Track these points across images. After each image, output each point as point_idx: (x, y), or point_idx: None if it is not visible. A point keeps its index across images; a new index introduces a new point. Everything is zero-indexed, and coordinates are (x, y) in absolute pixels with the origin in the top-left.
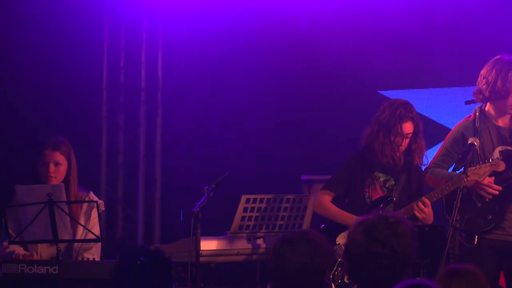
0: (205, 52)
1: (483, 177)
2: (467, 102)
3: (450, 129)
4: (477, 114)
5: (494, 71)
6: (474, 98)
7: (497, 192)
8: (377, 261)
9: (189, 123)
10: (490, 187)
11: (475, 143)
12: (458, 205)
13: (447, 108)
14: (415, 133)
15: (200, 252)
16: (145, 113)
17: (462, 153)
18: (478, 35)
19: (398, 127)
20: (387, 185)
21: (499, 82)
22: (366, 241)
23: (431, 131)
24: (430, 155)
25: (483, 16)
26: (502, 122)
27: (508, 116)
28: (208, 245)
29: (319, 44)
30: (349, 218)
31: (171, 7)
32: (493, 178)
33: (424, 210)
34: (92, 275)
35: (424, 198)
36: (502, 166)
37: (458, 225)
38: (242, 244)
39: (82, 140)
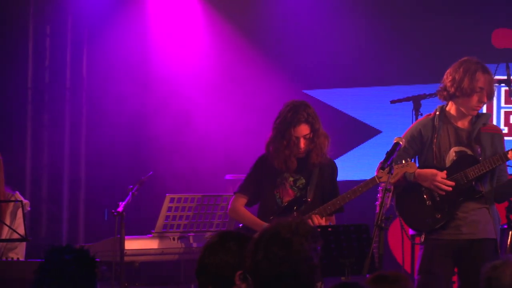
0: (130, 50)
1: (396, 178)
2: (392, 102)
3: (375, 128)
4: (437, 113)
5: (461, 69)
6: (438, 96)
7: (450, 188)
8: (281, 282)
9: (114, 122)
10: (443, 184)
11: (400, 143)
12: (384, 205)
13: (372, 107)
14: (312, 132)
15: (125, 251)
16: (70, 112)
17: (386, 153)
18: (402, 35)
19: (290, 131)
20: (297, 184)
21: (466, 80)
22: (264, 263)
23: (355, 130)
24: (356, 153)
25: (408, 17)
26: (461, 124)
27: (468, 118)
28: (133, 244)
29: (243, 44)
30: (259, 226)
31: (96, 6)
32: (444, 173)
33: (319, 224)
34: (16, 275)
35: (313, 216)
36: (413, 168)
37: (383, 225)
38: (167, 244)
39: (7, 140)
